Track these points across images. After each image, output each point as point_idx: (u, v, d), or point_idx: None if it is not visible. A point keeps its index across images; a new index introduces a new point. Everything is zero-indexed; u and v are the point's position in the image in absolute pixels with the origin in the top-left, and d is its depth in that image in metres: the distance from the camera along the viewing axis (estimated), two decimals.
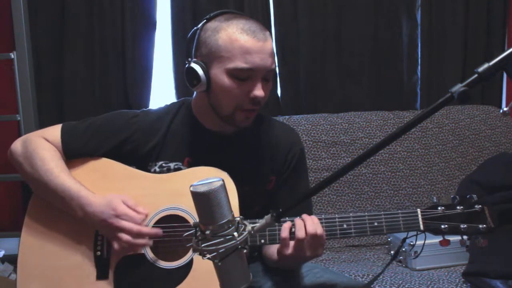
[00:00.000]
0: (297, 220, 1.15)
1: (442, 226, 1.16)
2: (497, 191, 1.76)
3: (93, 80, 2.37)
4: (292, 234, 1.15)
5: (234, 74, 1.23)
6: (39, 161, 1.29)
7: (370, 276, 1.79)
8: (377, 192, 2.26)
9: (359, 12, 2.49)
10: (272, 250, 1.28)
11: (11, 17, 2.17)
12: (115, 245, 1.21)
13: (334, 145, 2.27)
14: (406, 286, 1.73)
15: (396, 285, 1.73)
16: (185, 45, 1.32)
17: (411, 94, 2.58)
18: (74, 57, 2.35)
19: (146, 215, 1.24)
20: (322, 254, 1.17)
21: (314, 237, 1.13)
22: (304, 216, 1.16)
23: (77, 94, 2.37)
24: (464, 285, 1.72)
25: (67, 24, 2.34)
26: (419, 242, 1.21)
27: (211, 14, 1.29)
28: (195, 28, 1.30)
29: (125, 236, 1.19)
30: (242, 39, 1.21)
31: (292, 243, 1.14)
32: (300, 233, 1.13)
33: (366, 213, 1.20)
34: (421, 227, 1.17)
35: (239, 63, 1.21)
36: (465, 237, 1.19)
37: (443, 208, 1.17)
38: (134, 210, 1.22)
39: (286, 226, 1.15)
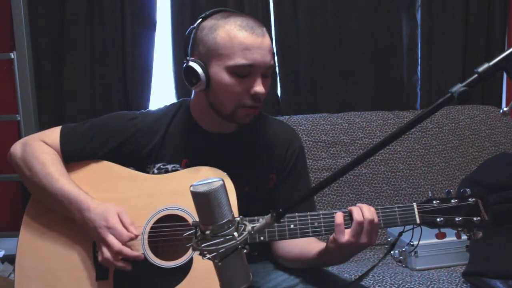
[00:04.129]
0: (352, 207, 1.16)
1: (438, 219, 1.18)
2: (497, 191, 1.76)
3: (93, 80, 2.37)
4: (346, 221, 1.15)
5: (234, 71, 1.22)
6: (38, 165, 1.29)
7: (370, 276, 1.79)
8: (377, 192, 2.26)
9: (359, 12, 2.49)
10: (305, 247, 1.27)
11: (11, 17, 2.17)
12: (99, 257, 1.22)
13: (334, 145, 2.27)
14: (406, 286, 1.73)
15: (396, 285, 1.73)
16: (183, 45, 1.32)
17: (411, 94, 2.58)
18: (74, 57, 2.35)
19: (137, 237, 1.22)
20: (374, 243, 1.18)
21: (371, 222, 1.14)
22: (359, 204, 1.18)
23: (77, 94, 2.37)
24: (464, 285, 1.72)
25: (67, 24, 2.34)
26: (416, 243, 1.23)
27: (207, 13, 1.28)
28: (191, 27, 1.29)
29: (106, 252, 1.19)
30: (241, 36, 1.21)
31: (347, 230, 1.14)
32: (358, 216, 1.14)
33: None
34: (417, 220, 1.19)
35: (239, 60, 1.21)
36: (464, 236, 1.21)
37: (438, 201, 1.19)
38: (126, 228, 1.21)
39: (339, 214, 1.16)
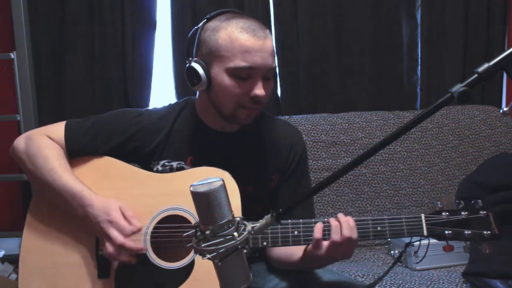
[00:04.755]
0: (333, 222, 1.14)
1: (446, 232, 1.14)
2: (497, 191, 1.76)
3: (93, 80, 2.37)
4: (325, 234, 1.14)
5: (234, 73, 1.23)
6: (42, 160, 1.29)
7: (370, 276, 1.79)
8: (377, 192, 2.26)
9: (359, 12, 2.49)
10: (291, 251, 1.27)
11: (11, 17, 2.17)
12: (104, 251, 1.22)
13: (334, 145, 2.27)
14: (406, 286, 1.73)
15: (396, 285, 1.73)
16: (185, 45, 1.32)
17: (411, 94, 2.58)
18: (74, 57, 2.35)
19: (139, 229, 1.22)
20: (351, 256, 1.17)
21: (349, 240, 1.12)
22: (340, 217, 1.15)
23: (77, 94, 2.37)
24: (464, 285, 1.72)
25: (67, 24, 2.34)
26: (424, 242, 1.22)
27: (211, 14, 1.29)
28: (195, 27, 1.30)
29: (109, 246, 1.19)
30: (242, 38, 1.21)
31: (325, 243, 1.13)
32: (336, 236, 1.12)
33: (369, 218, 1.18)
34: (425, 232, 1.16)
35: (239, 62, 1.21)
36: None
37: (447, 213, 1.15)
38: (128, 221, 1.21)
39: (319, 227, 1.14)
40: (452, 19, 2.53)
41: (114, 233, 1.19)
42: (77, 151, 1.34)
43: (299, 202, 0.91)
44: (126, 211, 1.23)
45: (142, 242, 1.24)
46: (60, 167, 1.28)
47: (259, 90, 1.23)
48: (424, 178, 2.30)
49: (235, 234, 0.79)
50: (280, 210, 0.83)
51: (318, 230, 1.14)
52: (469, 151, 2.36)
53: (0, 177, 2.30)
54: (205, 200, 0.78)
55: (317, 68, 2.49)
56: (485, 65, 0.78)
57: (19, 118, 2.21)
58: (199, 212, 0.80)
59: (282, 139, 1.40)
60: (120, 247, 1.19)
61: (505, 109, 0.90)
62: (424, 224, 1.16)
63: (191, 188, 0.79)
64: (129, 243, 1.19)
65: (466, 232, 1.14)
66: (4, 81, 2.32)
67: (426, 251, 1.21)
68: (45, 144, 1.32)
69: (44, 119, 2.30)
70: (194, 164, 1.33)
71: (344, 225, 1.13)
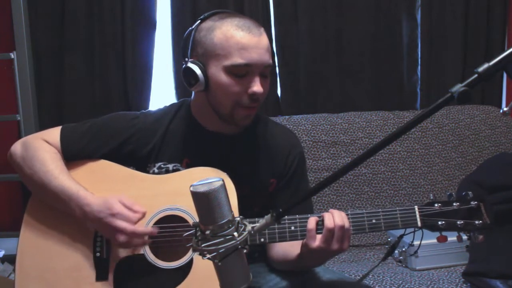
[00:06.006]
0: (325, 213, 1.16)
1: (439, 223, 1.17)
2: (497, 191, 1.75)
3: (93, 80, 2.38)
4: (318, 226, 1.15)
5: (231, 71, 1.23)
6: (38, 162, 1.29)
7: (370, 276, 1.79)
8: (377, 192, 2.26)
9: (359, 12, 2.49)
10: (289, 250, 1.27)
11: (11, 17, 2.17)
12: (115, 245, 1.22)
13: (334, 145, 2.27)
14: (406, 286, 1.73)
15: (396, 285, 1.73)
16: (181, 46, 1.33)
17: (411, 94, 2.58)
18: (74, 57, 2.35)
19: (144, 214, 1.23)
20: (347, 249, 1.18)
21: (342, 228, 1.14)
22: (331, 210, 1.17)
23: (77, 94, 2.37)
24: (464, 285, 1.72)
25: (67, 24, 2.34)
26: (417, 242, 1.23)
27: (205, 14, 1.30)
28: (190, 29, 1.30)
29: (121, 237, 1.19)
30: (237, 36, 1.21)
31: (318, 236, 1.15)
32: (329, 222, 1.13)
33: (364, 211, 1.20)
34: (419, 223, 1.18)
35: (236, 59, 1.21)
36: (464, 236, 1.20)
37: (439, 204, 1.18)
38: (131, 209, 1.22)
39: (312, 219, 1.16)
40: (452, 19, 2.53)
41: (122, 224, 1.19)
42: (73, 155, 1.34)
43: (299, 202, 0.91)
44: (126, 200, 1.23)
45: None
46: (57, 169, 1.28)
47: (256, 87, 1.23)
48: (424, 178, 2.30)
49: (235, 234, 0.79)
50: (280, 210, 0.83)
51: (311, 222, 1.16)
52: (469, 151, 2.36)
53: (0, 177, 2.30)
54: (205, 200, 0.78)
55: (317, 68, 2.49)
56: (485, 65, 0.79)
57: (19, 118, 2.21)
58: (199, 212, 0.80)
59: (279, 143, 1.40)
60: (133, 234, 1.19)
61: (505, 109, 0.90)
62: (417, 216, 1.19)
63: (191, 188, 0.79)
64: (140, 228, 1.21)
65: (458, 222, 1.17)
66: (4, 81, 2.32)
67: (421, 241, 1.22)
68: (41, 147, 1.32)
69: (44, 119, 2.31)
70: (190, 166, 1.33)
71: (336, 215, 1.15)
